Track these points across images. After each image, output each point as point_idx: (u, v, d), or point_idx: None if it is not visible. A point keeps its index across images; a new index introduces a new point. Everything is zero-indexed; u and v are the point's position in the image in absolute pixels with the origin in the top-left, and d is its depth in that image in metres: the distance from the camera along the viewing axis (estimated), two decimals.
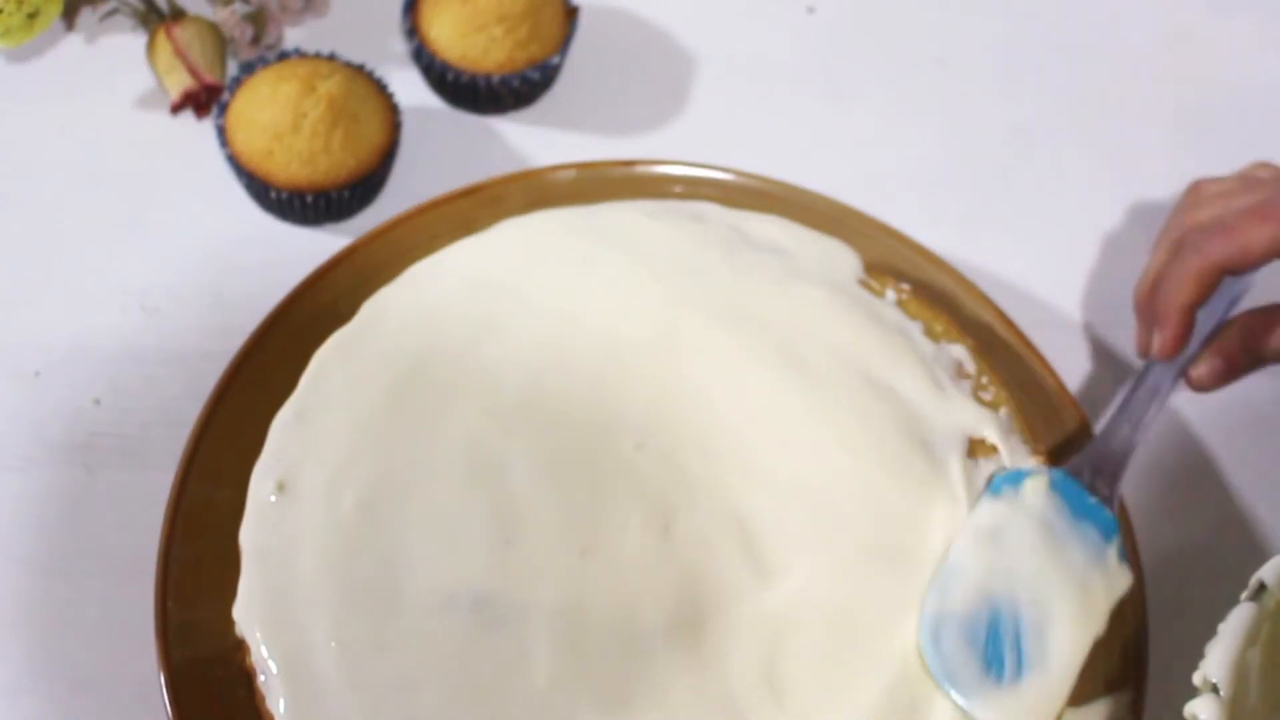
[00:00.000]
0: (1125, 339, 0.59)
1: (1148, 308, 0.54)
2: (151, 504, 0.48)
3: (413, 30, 0.62)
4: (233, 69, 0.62)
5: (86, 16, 0.63)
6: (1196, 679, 0.39)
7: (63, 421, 0.53)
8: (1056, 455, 0.52)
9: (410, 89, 0.63)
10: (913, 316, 0.54)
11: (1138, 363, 0.58)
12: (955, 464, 0.50)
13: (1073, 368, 0.56)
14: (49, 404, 0.53)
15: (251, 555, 0.46)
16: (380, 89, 0.59)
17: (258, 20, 0.62)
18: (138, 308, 0.56)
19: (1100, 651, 0.47)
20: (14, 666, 0.48)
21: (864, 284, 0.55)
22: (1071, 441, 0.53)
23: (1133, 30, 0.71)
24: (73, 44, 0.64)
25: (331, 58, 0.59)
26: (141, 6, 0.61)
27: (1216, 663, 0.39)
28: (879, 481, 0.49)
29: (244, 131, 0.57)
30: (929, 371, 0.52)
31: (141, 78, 0.62)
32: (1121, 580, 0.48)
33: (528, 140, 0.63)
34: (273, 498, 0.47)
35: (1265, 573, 0.41)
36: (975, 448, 0.51)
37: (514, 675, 0.45)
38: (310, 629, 0.45)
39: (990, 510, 0.49)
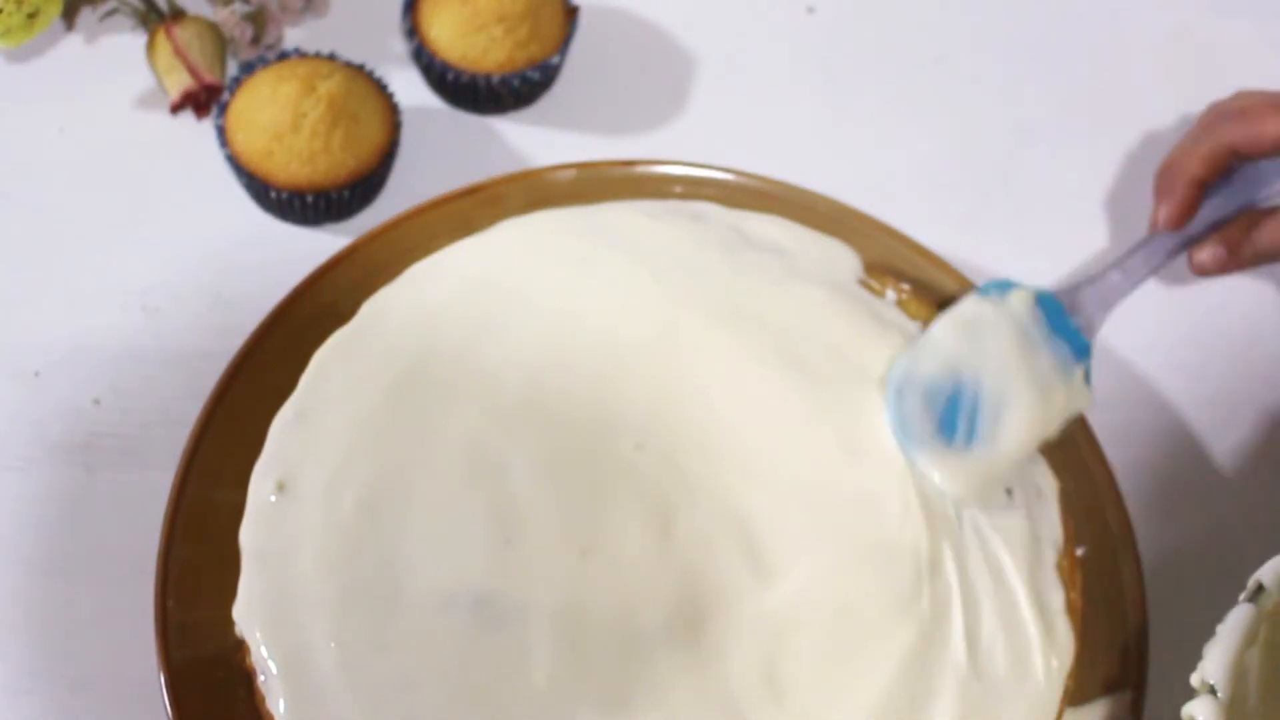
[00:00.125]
0: (1125, 339, 0.59)
1: (1161, 183, 0.56)
2: (151, 504, 0.48)
3: (413, 30, 0.62)
4: (233, 69, 0.62)
5: (86, 16, 0.63)
6: (1194, 680, 0.39)
7: (63, 421, 0.53)
8: (1051, 450, 0.52)
9: (410, 89, 0.63)
10: (913, 316, 0.54)
11: (1137, 364, 0.58)
12: None
13: None
14: (49, 404, 0.53)
15: (251, 555, 0.46)
16: (380, 89, 0.59)
17: (257, 20, 0.61)
18: (138, 308, 0.56)
19: (1101, 651, 0.47)
20: (14, 666, 0.48)
21: (864, 284, 0.55)
22: (1071, 440, 0.53)
23: (1133, 30, 0.71)
24: (72, 44, 0.64)
25: (331, 58, 0.59)
26: (141, 6, 0.61)
27: (1214, 664, 0.39)
28: (878, 481, 0.49)
29: (244, 131, 0.57)
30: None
31: (141, 78, 0.62)
32: (1083, 399, 0.51)
33: (528, 140, 0.63)
34: (273, 498, 0.47)
35: (1263, 574, 0.41)
36: None
37: (514, 675, 0.45)
38: (310, 629, 0.45)
39: (974, 306, 0.52)
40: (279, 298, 0.52)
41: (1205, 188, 0.55)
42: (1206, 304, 0.61)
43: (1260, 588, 0.41)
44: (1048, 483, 0.51)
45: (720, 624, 0.46)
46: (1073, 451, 0.52)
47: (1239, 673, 0.39)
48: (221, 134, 0.57)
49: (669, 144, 0.63)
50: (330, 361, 0.50)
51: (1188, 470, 0.56)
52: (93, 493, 0.51)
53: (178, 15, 0.61)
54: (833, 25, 0.69)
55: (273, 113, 0.56)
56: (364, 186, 0.58)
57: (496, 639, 0.45)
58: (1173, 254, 0.56)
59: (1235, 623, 0.40)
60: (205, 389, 0.50)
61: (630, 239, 0.55)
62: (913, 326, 0.54)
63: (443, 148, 0.62)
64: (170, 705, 0.44)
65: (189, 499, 0.48)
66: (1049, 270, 0.61)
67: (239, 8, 0.61)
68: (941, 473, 0.50)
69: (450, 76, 0.61)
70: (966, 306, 0.52)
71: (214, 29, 0.61)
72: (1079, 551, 0.50)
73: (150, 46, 0.61)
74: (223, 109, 0.58)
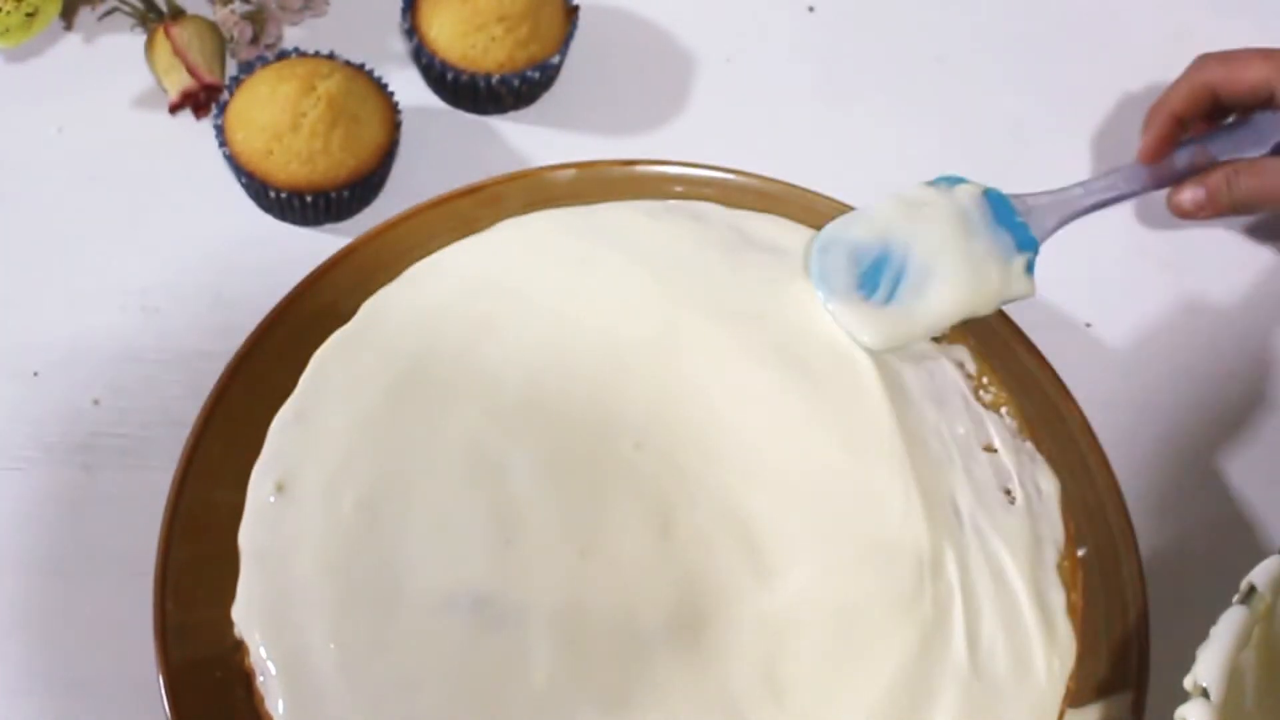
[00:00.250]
0: (1126, 339, 0.59)
1: (1145, 119, 0.59)
2: (150, 504, 0.48)
3: (412, 30, 0.62)
4: (232, 68, 0.62)
5: (85, 16, 0.63)
6: (1187, 683, 0.39)
7: (62, 422, 0.53)
8: (1052, 451, 0.52)
9: (410, 88, 0.63)
10: None
11: (1138, 365, 0.58)
12: (956, 462, 0.50)
13: (1072, 367, 0.56)
14: (48, 404, 0.53)
15: (250, 556, 0.46)
16: (380, 88, 0.59)
17: (257, 19, 0.61)
18: (137, 308, 0.56)
19: (1102, 652, 0.47)
20: (12, 667, 0.48)
21: None
22: (1072, 440, 0.53)
23: (1133, 30, 0.71)
24: (71, 43, 0.64)
25: (331, 57, 0.59)
26: (140, 6, 0.61)
27: (1206, 667, 0.39)
28: (879, 482, 0.49)
29: (243, 131, 0.56)
30: (930, 371, 0.52)
31: (140, 77, 0.62)
32: (1023, 286, 0.52)
33: (527, 140, 0.63)
34: (272, 498, 0.47)
35: (1255, 576, 0.41)
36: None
37: (513, 676, 0.45)
38: (309, 630, 0.44)
39: (919, 190, 0.53)
40: (278, 298, 0.52)
41: (1183, 123, 0.57)
42: (1208, 305, 0.61)
43: (1252, 590, 0.41)
44: (1049, 483, 0.51)
45: (720, 624, 0.46)
46: (1074, 452, 0.52)
47: (1233, 674, 0.39)
48: (221, 134, 0.57)
49: (669, 144, 0.63)
50: (330, 362, 0.50)
51: (1189, 471, 0.56)
52: (92, 493, 0.51)
53: (177, 15, 0.61)
54: (833, 24, 0.69)
55: (272, 112, 0.56)
56: (363, 186, 0.58)
57: (496, 639, 0.45)
58: (1146, 186, 0.57)
59: (1227, 625, 0.40)
60: (204, 389, 0.50)
61: (630, 239, 0.54)
62: None
63: (442, 147, 0.62)
64: (169, 706, 0.44)
65: (188, 499, 0.48)
66: (1049, 269, 0.60)
67: (238, 7, 0.61)
68: (854, 322, 0.51)
69: (450, 76, 0.61)
70: (911, 190, 0.53)
71: (213, 28, 0.61)
72: (1080, 552, 0.50)
73: (149, 46, 0.61)
74: (222, 109, 0.58)
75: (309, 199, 0.57)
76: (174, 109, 0.59)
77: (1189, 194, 0.57)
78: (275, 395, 0.49)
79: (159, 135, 0.61)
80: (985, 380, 0.53)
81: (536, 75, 0.62)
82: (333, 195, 0.57)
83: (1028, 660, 0.47)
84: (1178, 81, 0.58)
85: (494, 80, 0.61)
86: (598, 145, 0.63)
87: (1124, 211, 0.64)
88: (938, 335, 0.52)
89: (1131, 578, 0.50)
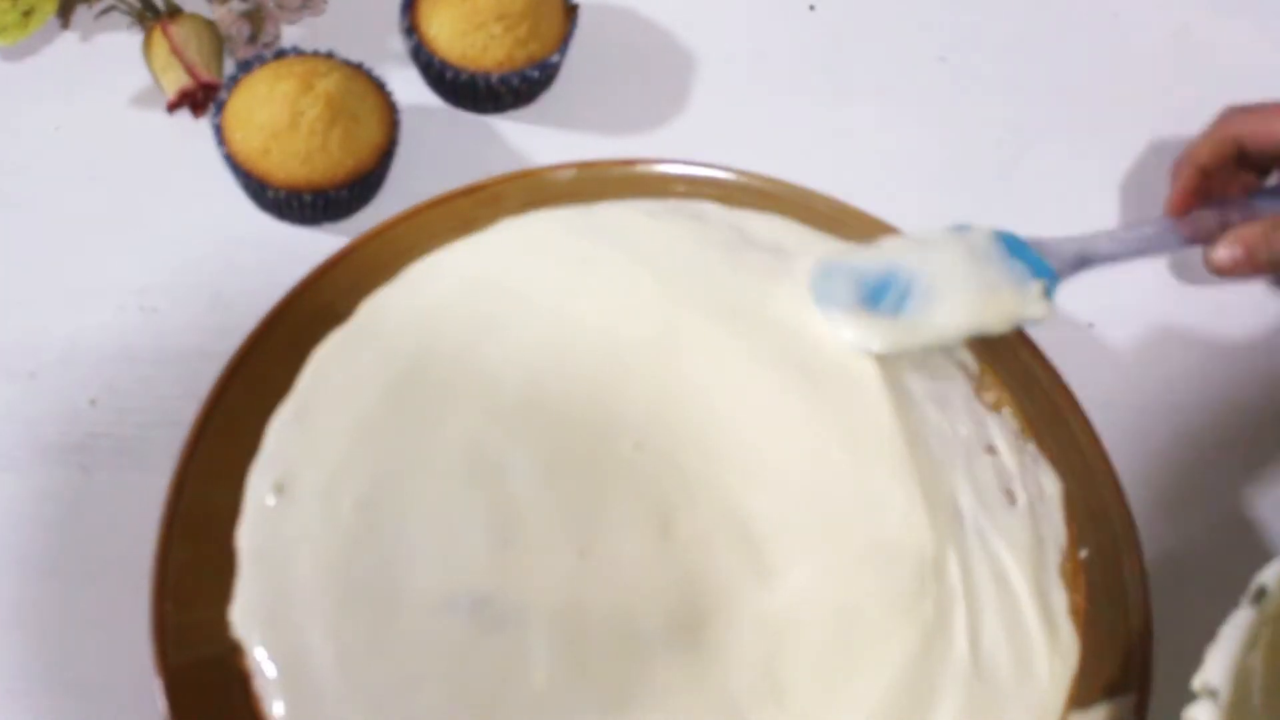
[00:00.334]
0: (1128, 339, 0.59)
1: (1171, 171, 0.56)
2: (148, 505, 0.48)
3: (411, 28, 0.62)
4: (230, 67, 0.62)
5: (82, 14, 0.63)
6: (1195, 684, 0.39)
7: (59, 422, 0.53)
8: (1054, 452, 0.52)
9: (409, 87, 0.62)
10: None
11: (1140, 366, 0.58)
12: (958, 463, 0.50)
13: (1074, 368, 0.56)
14: (45, 404, 0.53)
15: (249, 557, 0.46)
16: (378, 87, 0.59)
17: (255, 18, 0.61)
18: (134, 307, 0.56)
19: (1104, 653, 0.47)
20: (9, 669, 0.47)
21: None
22: (1074, 441, 0.53)
23: (1133, 29, 0.71)
24: (68, 42, 0.63)
25: (329, 56, 0.59)
26: (138, 4, 0.61)
27: (1215, 668, 0.39)
28: (880, 482, 0.49)
29: (241, 130, 0.56)
30: (931, 371, 0.52)
31: (138, 76, 0.62)
32: (1039, 309, 0.50)
33: (527, 139, 0.63)
34: (270, 499, 0.47)
35: (1265, 577, 0.41)
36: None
37: (513, 676, 0.45)
38: (308, 631, 0.44)
39: (926, 231, 0.52)
40: (277, 298, 0.52)
41: (1209, 175, 0.55)
42: (1210, 305, 0.61)
43: (1262, 591, 0.41)
44: (1051, 484, 0.51)
45: (720, 624, 0.46)
46: (1076, 453, 0.52)
47: (1242, 675, 0.39)
48: (219, 133, 0.57)
49: (669, 144, 0.63)
50: (329, 362, 0.50)
51: (1191, 472, 0.56)
52: (89, 494, 0.51)
53: (174, 13, 0.60)
54: (834, 23, 0.69)
55: (270, 111, 0.56)
56: (362, 186, 0.58)
57: (495, 640, 0.45)
58: (1175, 242, 0.55)
59: (1236, 626, 0.40)
60: (203, 389, 0.50)
61: (630, 238, 0.54)
62: None
63: (442, 147, 0.62)
64: (167, 707, 0.44)
65: (186, 500, 0.47)
66: None
67: (236, 5, 0.61)
68: (858, 330, 0.50)
69: (449, 75, 0.61)
70: (917, 232, 0.52)
71: (211, 27, 0.60)
72: (1082, 553, 0.50)
73: (147, 44, 0.60)
74: (220, 107, 0.57)
75: (307, 198, 0.56)
76: (172, 108, 0.59)
77: (1225, 251, 0.54)
78: (274, 395, 0.49)
79: (156, 134, 0.61)
80: (987, 381, 0.53)
81: (536, 74, 0.61)
82: (331, 195, 0.57)
83: (1030, 662, 0.47)
84: (1204, 133, 0.56)
85: (493, 79, 0.61)
86: (598, 145, 0.63)
87: (1125, 212, 0.64)
88: (947, 348, 0.51)
89: (1134, 579, 0.50)
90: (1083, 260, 0.53)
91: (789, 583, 0.47)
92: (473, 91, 0.62)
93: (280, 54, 0.59)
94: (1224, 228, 0.54)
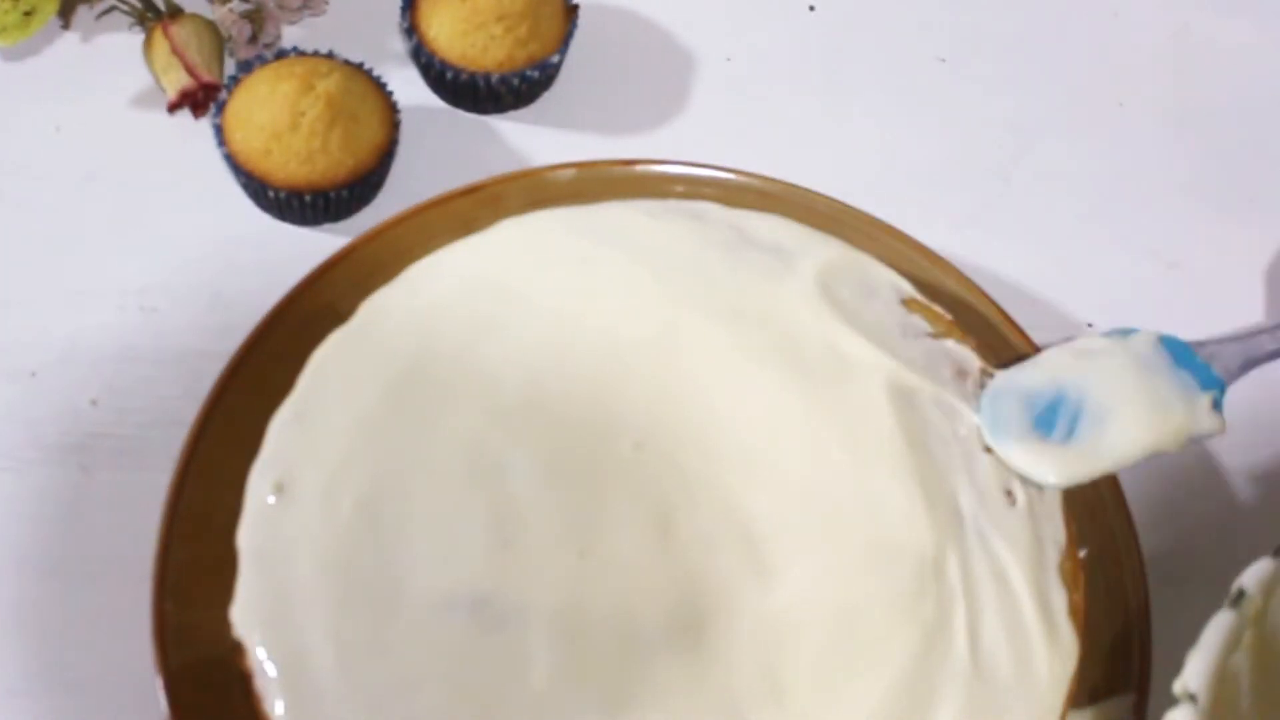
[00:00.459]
0: None
1: None
2: (148, 505, 0.48)
3: (411, 29, 0.62)
4: (230, 67, 0.62)
5: (83, 14, 0.63)
6: (1175, 688, 0.39)
7: (59, 422, 0.53)
8: None
9: (409, 88, 0.62)
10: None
11: None
12: (958, 462, 0.50)
13: None
14: (45, 404, 0.53)
15: (249, 556, 0.46)
16: (379, 88, 0.59)
17: (255, 18, 0.61)
18: (135, 307, 0.56)
19: (1104, 653, 0.47)
20: (9, 669, 0.47)
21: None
22: None
23: (1133, 29, 0.71)
24: (69, 42, 0.63)
25: (330, 56, 0.59)
26: (138, 4, 0.61)
27: (1194, 672, 0.39)
28: (880, 482, 0.49)
29: (242, 130, 0.56)
30: (931, 371, 0.52)
31: (138, 76, 0.62)
32: (1211, 423, 0.48)
33: (527, 139, 0.63)
34: (271, 499, 0.47)
35: (1245, 580, 0.41)
36: None
37: (513, 677, 0.44)
38: (308, 631, 0.44)
39: (1090, 340, 0.50)
40: (277, 298, 0.52)
41: None
42: (1210, 305, 0.61)
43: (1242, 593, 0.41)
44: None
45: (721, 625, 0.46)
46: None
47: (1226, 678, 0.39)
48: (219, 133, 0.57)
49: (669, 144, 0.63)
50: (329, 362, 0.50)
51: (1191, 471, 0.56)
52: (89, 494, 0.51)
53: (175, 13, 0.60)
54: (834, 24, 0.69)
55: (271, 112, 0.56)
56: (362, 186, 0.58)
57: (495, 640, 0.45)
58: None
59: (1216, 630, 0.40)
60: (203, 389, 0.50)
61: (630, 238, 0.54)
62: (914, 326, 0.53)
63: (442, 147, 0.62)
64: (167, 707, 0.44)
65: (186, 500, 0.47)
66: (1050, 269, 0.61)
67: (237, 6, 0.61)
68: (1032, 460, 0.48)
69: (449, 75, 0.61)
70: (1081, 341, 0.50)
71: (211, 27, 0.60)
72: (1082, 553, 0.50)
73: (147, 45, 0.60)
74: (220, 108, 0.57)
75: (308, 198, 0.56)
76: (172, 108, 0.59)
77: None
78: (274, 395, 0.49)
79: (157, 135, 0.61)
80: (987, 381, 0.52)
81: (536, 74, 0.61)
82: (331, 195, 0.57)
83: (1030, 661, 0.47)
84: None
85: (493, 79, 0.61)
86: (598, 145, 0.63)
87: (1126, 210, 0.64)
88: (1125, 468, 0.49)
89: (1133, 578, 0.50)
90: (1249, 364, 0.51)
91: (789, 583, 0.47)
92: (473, 92, 0.62)
93: (281, 54, 0.59)
94: None
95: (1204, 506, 0.55)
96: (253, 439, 0.48)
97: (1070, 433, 0.48)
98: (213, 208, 0.59)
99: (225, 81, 0.59)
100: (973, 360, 0.53)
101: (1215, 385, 0.50)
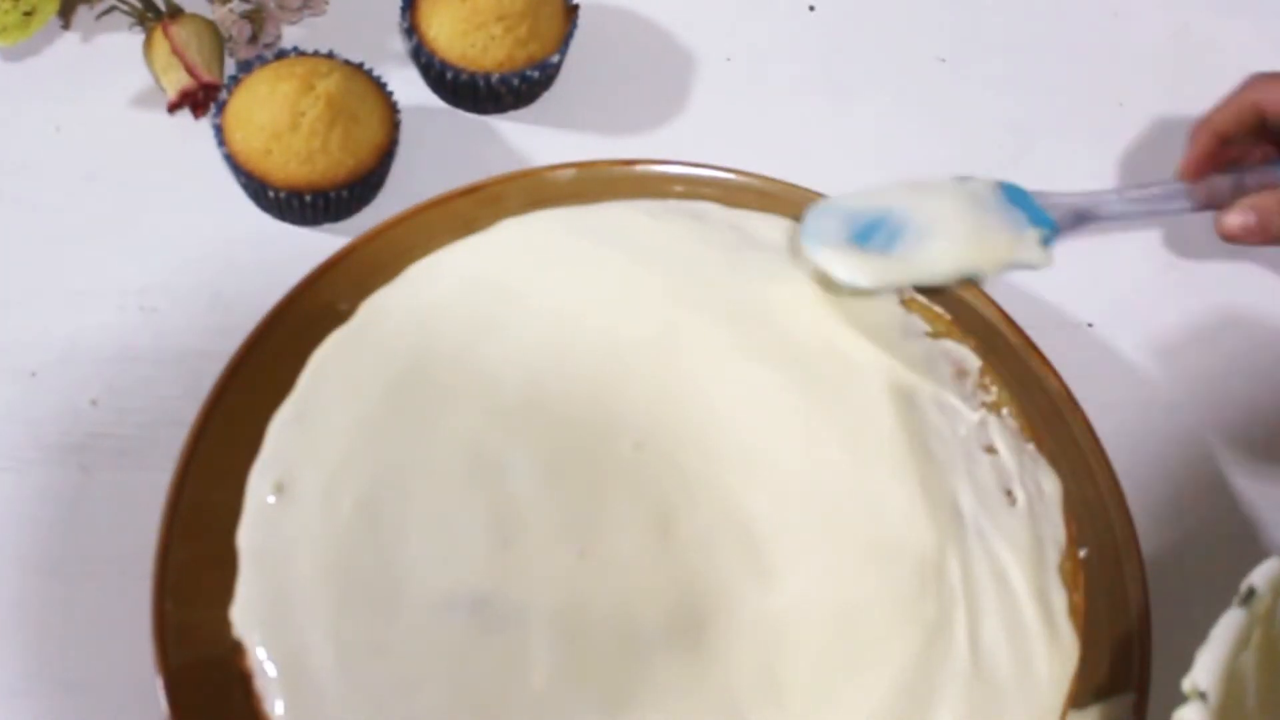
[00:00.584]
0: (1127, 339, 0.59)
1: (1190, 135, 0.55)
2: (149, 505, 0.48)
3: (411, 29, 0.62)
4: (230, 67, 0.62)
5: (83, 14, 0.63)
6: (1185, 685, 0.39)
7: (59, 422, 0.53)
8: (1054, 452, 0.52)
9: (409, 88, 0.62)
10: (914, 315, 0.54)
11: (1138, 364, 0.58)
12: (958, 463, 0.50)
13: (1075, 368, 0.56)
14: (45, 404, 0.53)
15: (249, 556, 0.46)
16: (379, 88, 0.59)
17: (256, 18, 0.61)
18: (135, 307, 0.56)
19: (1104, 653, 0.47)
20: (9, 668, 0.47)
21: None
22: (1073, 441, 0.53)
23: (1133, 30, 0.71)
24: (69, 42, 0.63)
25: (330, 56, 0.59)
26: (138, 4, 0.61)
27: (1204, 669, 0.39)
28: (881, 482, 0.49)
29: (242, 130, 0.56)
30: (931, 371, 0.52)
31: (138, 76, 0.62)
32: (1036, 256, 0.50)
33: (527, 139, 0.63)
34: (271, 498, 0.47)
35: (1255, 578, 0.41)
36: None
37: (513, 677, 0.44)
38: (308, 631, 0.44)
39: (927, 179, 0.51)
40: (277, 298, 0.52)
41: (1227, 141, 0.54)
42: (1210, 306, 0.61)
43: (1252, 592, 0.41)
44: (1050, 484, 0.51)
45: (721, 625, 0.46)
46: (1076, 453, 0.52)
47: (1234, 676, 0.39)
48: (219, 133, 0.57)
49: (669, 144, 0.63)
50: (329, 362, 0.50)
51: (1191, 472, 0.56)
52: (89, 494, 0.51)
53: (175, 13, 0.60)
54: (834, 23, 0.69)
55: (271, 112, 0.56)
56: (363, 186, 0.58)
57: (495, 640, 0.45)
58: (1185, 205, 0.54)
59: (1225, 628, 0.40)
60: (203, 389, 0.50)
61: (630, 238, 0.54)
62: (914, 326, 0.53)
63: (442, 147, 0.62)
64: (167, 707, 0.44)
65: (187, 500, 0.47)
66: (1050, 269, 0.60)
67: (237, 6, 0.61)
68: (846, 266, 0.49)
69: (449, 75, 0.61)
70: (921, 178, 0.52)
71: (212, 27, 0.60)
72: (1082, 553, 0.50)
73: (147, 45, 0.60)
74: (220, 108, 0.57)
75: (308, 198, 0.56)
76: (172, 108, 0.59)
77: (1238, 217, 0.53)
78: (274, 395, 0.49)
79: (157, 135, 0.61)
80: (987, 381, 0.53)
81: (536, 74, 0.61)
82: (332, 195, 0.57)
83: (1030, 661, 0.47)
84: (1225, 99, 0.55)
85: (493, 79, 0.61)
86: (598, 145, 0.63)
87: None
88: (938, 286, 0.51)
89: (1133, 578, 0.50)
90: (1085, 215, 0.52)
91: (789, 583, 0.47)
92: (473, 92, 0.62)
93: (281, 54, 0.59)
94: (1238, 195, 0.54)
95: (1205, 506, 0.55)
96: (253, 439, 0.48)
97: (888, 247, 0.49)
98: (213, 208, 0.59)
99: (225, 81, 0.59)
100: (972, 360, 0.53)
101: (1046, 224, 0.50)
